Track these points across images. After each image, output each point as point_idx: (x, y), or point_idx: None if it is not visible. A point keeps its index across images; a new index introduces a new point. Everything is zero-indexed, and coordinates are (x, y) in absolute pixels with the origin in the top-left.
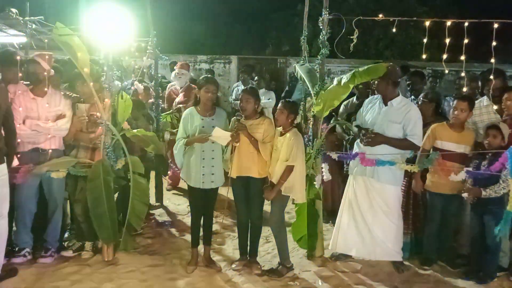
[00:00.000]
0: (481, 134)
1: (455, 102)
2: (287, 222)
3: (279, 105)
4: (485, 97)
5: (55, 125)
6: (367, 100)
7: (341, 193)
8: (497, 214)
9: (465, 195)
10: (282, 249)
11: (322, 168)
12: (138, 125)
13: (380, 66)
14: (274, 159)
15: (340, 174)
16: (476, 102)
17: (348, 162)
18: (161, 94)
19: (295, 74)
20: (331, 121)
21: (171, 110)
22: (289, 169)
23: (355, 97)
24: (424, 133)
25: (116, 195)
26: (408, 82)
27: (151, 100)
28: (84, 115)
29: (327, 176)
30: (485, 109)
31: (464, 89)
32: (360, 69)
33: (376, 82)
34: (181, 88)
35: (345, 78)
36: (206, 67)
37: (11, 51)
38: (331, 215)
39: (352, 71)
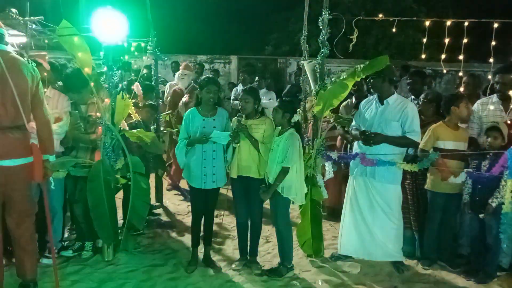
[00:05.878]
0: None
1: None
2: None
3: (276, 104)
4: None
5: None
6: (363, 101)
7: (337, 192)
8: (498, 213)
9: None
10: (288, 249)
11: (325, 166)
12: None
13: (383, 58)
14: (271, 159)
15: (337, 174)
16: (486, 98)
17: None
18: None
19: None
20: (331, 121)
21: (170, 111)
22: (284, 171)
23: (353, 97)
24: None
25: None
26: (408, 81)
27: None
28: (78, 121)
29: (330, 174)
30: (492, 106)
31: (461, 89)
32: (362, 64)
33: (371, 80)
34: (185, 88)
35: (345, 75)
36: (207, 67)
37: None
38: (331, 214)
39: (352, 68)
